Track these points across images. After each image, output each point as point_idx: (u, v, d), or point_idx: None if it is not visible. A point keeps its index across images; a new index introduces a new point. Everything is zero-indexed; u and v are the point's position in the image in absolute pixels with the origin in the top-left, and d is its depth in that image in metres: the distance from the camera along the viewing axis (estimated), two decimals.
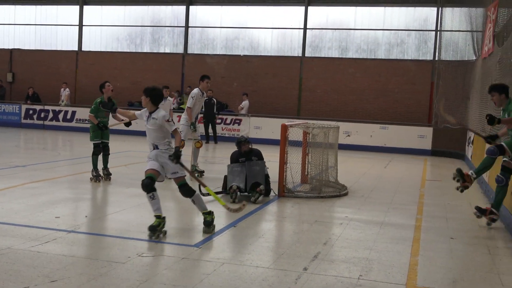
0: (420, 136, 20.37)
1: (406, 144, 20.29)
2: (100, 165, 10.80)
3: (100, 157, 10.82)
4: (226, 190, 9.52)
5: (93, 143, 10.81)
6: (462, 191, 8.04)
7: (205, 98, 11.97)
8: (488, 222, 8.02)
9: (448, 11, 20.94)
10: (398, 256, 6.36)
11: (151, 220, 7.71)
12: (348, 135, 20.29)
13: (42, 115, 24.41)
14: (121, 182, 10.70)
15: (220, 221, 7.81)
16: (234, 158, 9.94)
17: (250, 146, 9.85)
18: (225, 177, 9.74)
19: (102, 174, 10.85)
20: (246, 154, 9.82)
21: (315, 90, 22.94)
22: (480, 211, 8.06)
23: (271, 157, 11.79)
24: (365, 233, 7.47)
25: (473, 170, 8.20)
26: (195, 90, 11.74)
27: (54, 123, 24.15)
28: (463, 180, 7.98)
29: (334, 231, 7.59)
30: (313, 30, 23.37)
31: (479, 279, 5.73)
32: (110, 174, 10.94)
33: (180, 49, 24.85)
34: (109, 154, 10.97)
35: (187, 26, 24.69)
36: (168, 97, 14.55)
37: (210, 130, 20.85)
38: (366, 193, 10.77)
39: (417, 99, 21.86)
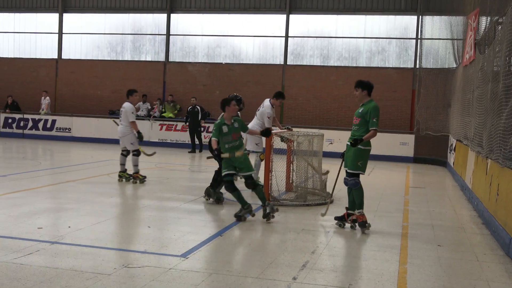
0: (402, 143, 20.47)
1: (388, 151, 20.33)
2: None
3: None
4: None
5: (224, 176, 8.53)
6: (353, 227, 8.13)
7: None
8: (351, 225, 8.14)
9: (428, 20, 21.15)
10: (386, 265, 6.32)
11: (135, 230, 7.62)
12: (331, 143, 20.28)
13: (22, 123, 24.09)
14: (104, 192, 10.54)
15: (206, 231, 7.72)
16: None
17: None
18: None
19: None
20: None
21: (297, 97, 22.95)
22: (340, 219, 8.25)
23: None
24: (352, 241, 7.43)
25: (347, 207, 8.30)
26: (270, 107, 11.44)
27: (34, 132, 23.85)
28: (345, 220, 8.20)
29: (321, 239, 7.54)
30: (294, 38, 23.41)
31: (469, 286, 5.71)
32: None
33: (162, 57, 24.72)
34: (260, 187, 8.65)
35: (168, 34, 24.57)
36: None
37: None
38: None
39: (398, 107, 21.96)
